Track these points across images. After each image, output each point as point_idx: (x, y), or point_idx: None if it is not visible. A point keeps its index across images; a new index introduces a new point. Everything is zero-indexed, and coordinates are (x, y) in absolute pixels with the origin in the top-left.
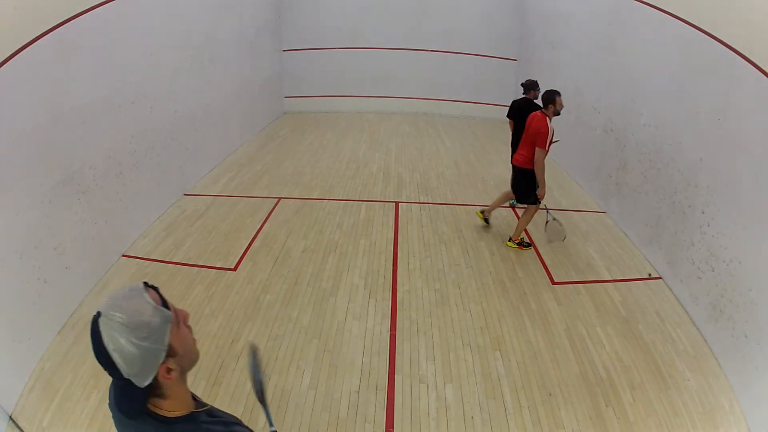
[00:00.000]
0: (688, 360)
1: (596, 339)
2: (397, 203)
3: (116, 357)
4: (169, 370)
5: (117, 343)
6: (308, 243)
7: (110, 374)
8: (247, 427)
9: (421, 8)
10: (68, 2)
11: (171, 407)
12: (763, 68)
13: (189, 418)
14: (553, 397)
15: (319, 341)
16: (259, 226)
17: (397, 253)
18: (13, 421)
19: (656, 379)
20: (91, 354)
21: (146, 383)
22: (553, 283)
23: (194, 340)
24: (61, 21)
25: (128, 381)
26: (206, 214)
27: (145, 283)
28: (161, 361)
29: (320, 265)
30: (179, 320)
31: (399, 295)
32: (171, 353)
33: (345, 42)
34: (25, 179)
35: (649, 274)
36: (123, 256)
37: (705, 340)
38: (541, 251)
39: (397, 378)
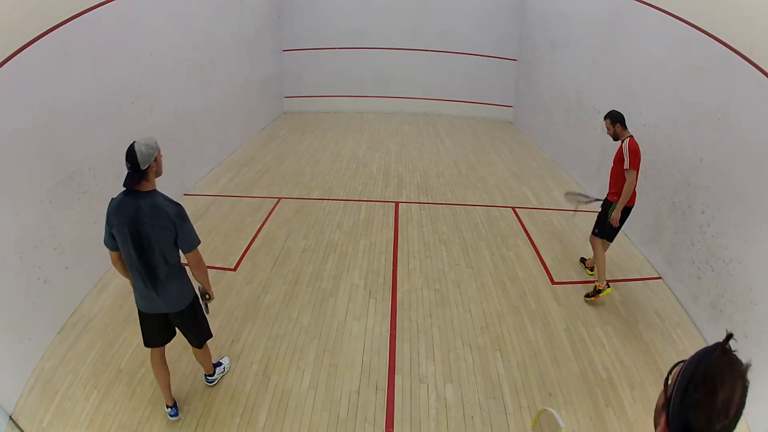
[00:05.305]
0: None
1: (596, 339)
2: (397, 203)
3: (138, 151)
4: (152, 167)
5: (140, 146)
6: (308, 243)
7: (131, 165)
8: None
9: (421, 8)
10: (68, 2)
11: (147, 187)
12: (763, 68)
13: (154, 192)
14: (553, 397)
15: (319, 341)
16: (259, 226)
17: (397, 253)
18: (13, 421)
19: (656, 379)
20: (91, 354)
21: (144, 168)
22: (553, 283)
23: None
24: (61, 21)
25: (137, 167)
26: (206, 214)
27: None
28: (152, 160)
29: (320, 265)
30: (161, 155)
31: (399, 295)
32: (155, 161)
33: (345, 42)
34: (24, 179)
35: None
36: None
37: (705, 340)
38: (541, 251)
39: (397, 378)
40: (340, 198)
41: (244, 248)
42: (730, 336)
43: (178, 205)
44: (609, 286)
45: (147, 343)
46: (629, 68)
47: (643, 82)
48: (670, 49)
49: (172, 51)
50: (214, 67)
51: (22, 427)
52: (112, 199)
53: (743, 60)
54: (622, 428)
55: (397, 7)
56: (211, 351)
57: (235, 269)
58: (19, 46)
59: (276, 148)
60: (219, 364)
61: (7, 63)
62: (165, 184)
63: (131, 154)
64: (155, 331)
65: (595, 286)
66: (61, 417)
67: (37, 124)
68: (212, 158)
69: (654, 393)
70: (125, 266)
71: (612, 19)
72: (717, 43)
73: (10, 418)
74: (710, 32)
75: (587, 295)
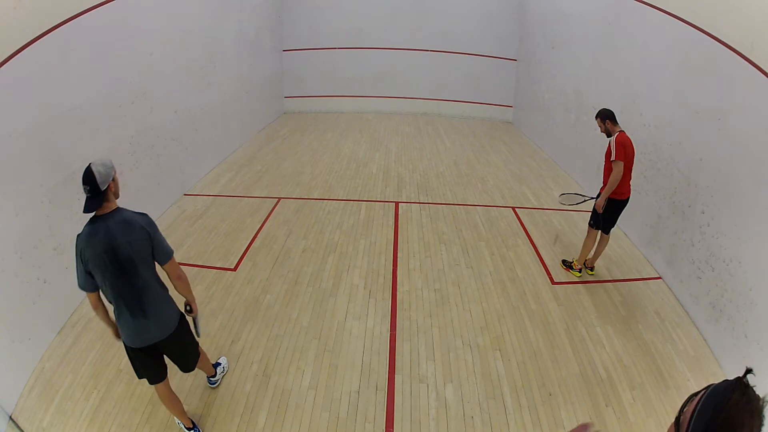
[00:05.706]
0: (688, 360)
1: (596, 339)
2: (397, 203)
3: (96, 171)
4: (111, 186)
5: (97, 167)
6: (308, 243)
7: (90, 187)
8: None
9: (421, 8)
10: (68, 2)
11: (109, 207)
12: (763, 68)
13: (118, 209)
14: (553, 397)
15: (319, 341)
16: (259, 226)
17: (397, 253)
18: (13, 421)
19: (656, 379)
20: (91, 354)
21: (104, 188)
22: (553, 283)
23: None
24: (61, 21)
25: (97, 189)
26: (206, 214)
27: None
28: (111, 180)
29: (320, 265)
30: (117, 175)
31: (399, 295)
32: (113, 180)
33: (345, 42)
34: (24, 179)
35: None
36: None
37: (705, 340)
38: (541, 251)
39: (397, 378)
40: (340, 198)
41: (244, 248)
42: (748, 371)
43: (145, 214)
44: (580, 272)
45: (153, 380)
46: (629, 68)
47: (643, 82)
48: (670, 49)
49: (172, 51)
50: (214, 67)
51: (22, 427)
52: (78, 234)
53: (743, 60)
54: (622, 428)
55: (397, 7)
56: (211, 351)
57: (235, 269)
58: (19, 46)
59: (276, 148)
60: (218, 364)
61: (7, 63)
62: (165, 184)
63: (89, 176)
64: (155, 363)
65: (573, 262)
66: (61, 417)
67: (37, 125)
68: (212, 158)
69: (654, 393)
70: (106, 310)
71: (612, 19)
72: (717, 43)
73: (10, 418)
74: (710, 32)
75: (564, 261)
